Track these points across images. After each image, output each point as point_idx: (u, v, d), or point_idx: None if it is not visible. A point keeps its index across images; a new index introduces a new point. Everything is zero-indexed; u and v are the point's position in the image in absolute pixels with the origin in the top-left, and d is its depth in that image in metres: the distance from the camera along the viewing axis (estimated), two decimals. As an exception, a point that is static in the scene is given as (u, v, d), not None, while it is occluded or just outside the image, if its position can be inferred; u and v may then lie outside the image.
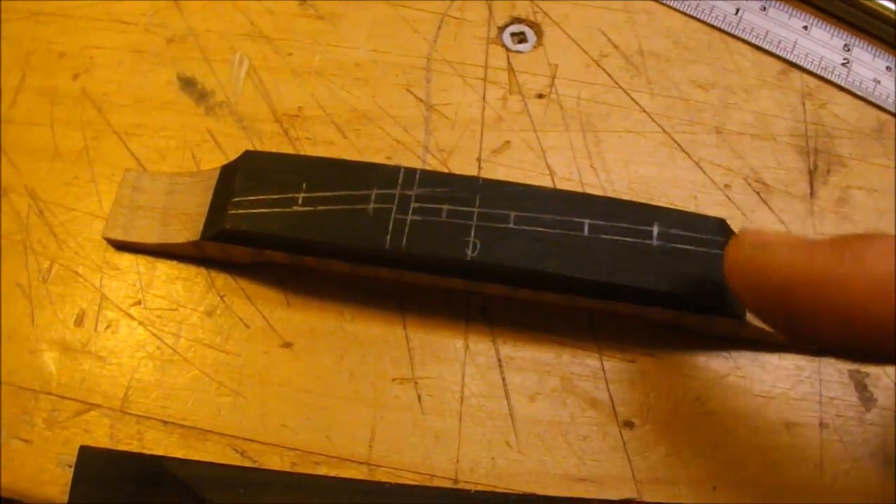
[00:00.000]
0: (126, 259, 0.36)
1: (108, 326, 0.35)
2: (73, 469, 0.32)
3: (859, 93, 0.39)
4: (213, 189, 0.35)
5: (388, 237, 0.32)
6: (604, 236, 0.32)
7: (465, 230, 0.32)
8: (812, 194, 0.37)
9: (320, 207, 0.32)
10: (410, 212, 0.32)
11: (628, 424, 0.33)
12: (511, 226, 0.32)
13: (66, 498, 0.32)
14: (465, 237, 0.32)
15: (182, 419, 0.34)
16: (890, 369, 0.34)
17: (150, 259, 0.36)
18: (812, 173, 0.37)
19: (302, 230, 0.32)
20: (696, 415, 0.33)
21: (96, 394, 0.34)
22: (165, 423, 0.34)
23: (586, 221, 0.32)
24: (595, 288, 0.32)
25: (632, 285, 0.32)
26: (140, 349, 0.35)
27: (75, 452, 0.33)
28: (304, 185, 0.33)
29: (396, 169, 0.33)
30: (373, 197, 0.33)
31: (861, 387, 0.34)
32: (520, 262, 0.32)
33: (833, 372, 0.34)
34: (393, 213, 0.32)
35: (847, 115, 0.38)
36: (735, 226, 0.35)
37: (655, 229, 0.32)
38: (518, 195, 0.33)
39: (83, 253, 0.36)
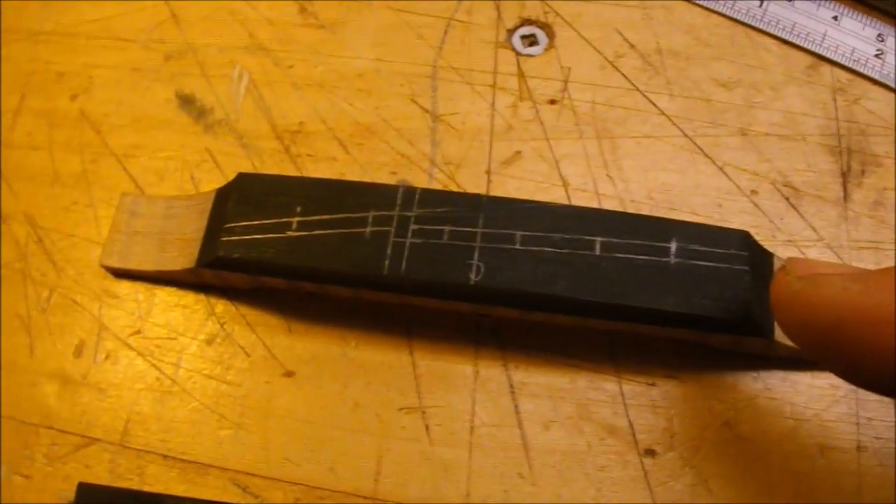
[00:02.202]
0: (125, 286, 0.35)
1: (107, 357, 0.34)
2: (72, 506, 0.32)
3: (895, 86, 0.36)
4: (209, 213, 0.33)
5: (387, 262, 0.30)
6: (617, 255, 0.30)
7: (468, 252, 0.30)
8: (846, 198, 0.34)
9: (315, 232, 0.31)
10: (409, 234, 0.31)
11: (650, 452, 0.31)
12: (517, 247, 0.30)
13: (66, 537, 0.31)
14: (467, 260, 0.30)
15: (182, 453, 0.32)
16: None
17: (149, 286, 0.35)
18: (845, 175, 0.35)
19: (296, 257, 0.31)
20: (724, 440, 0.31)
21: (96, 427, 0.33)
22: (166, 457, 0.33)
23: (598, 239, 0.30)
24: (609, 311, 0.30)
25: (648, 307, 0.30)
26: (139, 380, 0.34)
27: (74, 489, 0.32)
28: (298, 209, 0.31)
29: (395, 189, 0.32)
30: (370, 219, 0.31)
31: (902, 407, 0.31)
32: (526, 286, 0.30)
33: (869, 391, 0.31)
34: (391, 237, 0.31)
35: (882, 111, 0.36)
36: (763, 235, 0.33)
37: (673, 245, 0.30)
38: (524, 213, 0.31)
39: (82, 281, 0.35)
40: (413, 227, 0.31)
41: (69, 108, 0.39)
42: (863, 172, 0.35)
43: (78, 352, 0.34)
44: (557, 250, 0.30)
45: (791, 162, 0.35)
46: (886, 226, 0.34)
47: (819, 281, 0.23)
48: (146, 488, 0.32)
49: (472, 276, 0.30)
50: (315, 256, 0.31)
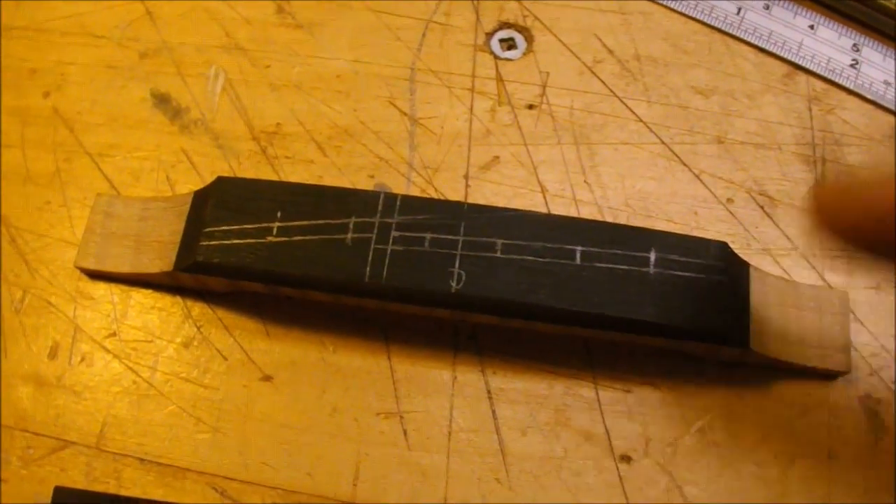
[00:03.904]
0: (100, 288, 0.35)
1: (82, 359, 0.34)
2: (48, 510, 0.31)
3: (869, 96, 0.37)
4: (186, 216, 0.33)
5: (368, 269, 0.30)
6: (597, 264, 0.30)
7: (450, 260, 0.30)
8: (819, 207, 0.35)
9: (296, 238, 0.31)
10: (391, 241, 0.31)
11: (625, 458, 0.32)
12: (498, 255, 0.30)
13: (41, 540, 0.31)
14: (449, 268, 0.30)
15: (159, 457, 0.32)
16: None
17: (125, 288, 0.35)
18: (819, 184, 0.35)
19: (277, 262, 0.31)
20: (698, 447, 0.32)
21: (71, 430, 0.33)
22: (143, 460, 0.32)
23: (578, 248, 0.30)
24: (589, 320, 0.30)
25: (629, 317, 0.30)
26: (115, 383, 0.33)
27: (51, 492, 0.32)
28: (278, 214, 0.31)
29: (376, 195, 0.31)
30: (351, 226, 0.31)
31: (872, 414, 0.32)
32: (507, 294, 0.30)
33: (842, 399, 0.32)
34: (372, 243, 0.31)
35: (857, 121, 0.36)
36: (738, 243, 0.34)
37: (653, 255, 0.30)
38: (505, 221, 0.31)
39: (56, 282, 0.35)
40: (394, 233, 0.31)
41: (42, 105, 0.38)
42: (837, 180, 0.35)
43: (53, 354, 0.34)
44: (538, 259, 0.30)
45: (766, 171, 0.36)
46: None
47: (860, 184, 0.24)
48: (123, 492, 0.32)
49: (454, 283, 0.30)
50: (296, 262, 0.31)
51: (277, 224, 0.31)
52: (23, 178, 0.37)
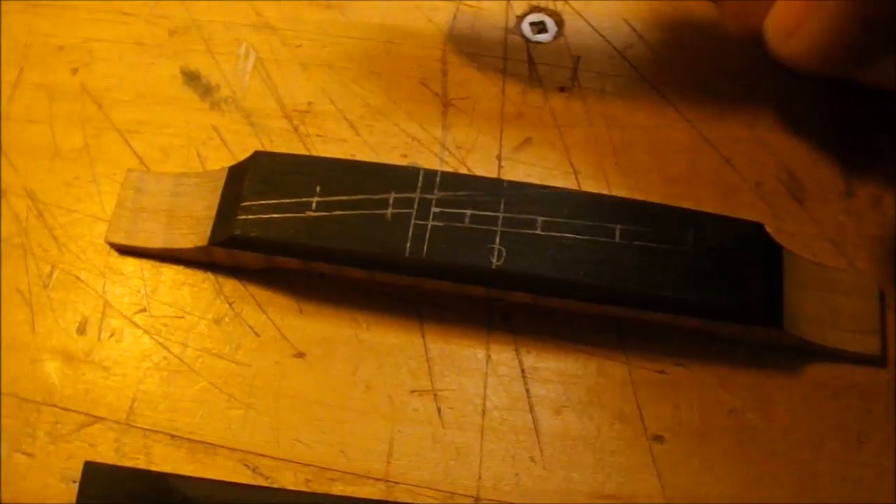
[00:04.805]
0: (129, 263, 0.35)
1: (111, 335, 0.34)
2: (77, 485, 0.31)
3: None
4: (221, 191, 0.33)
5: (408, 245, 0.30)
6: (637, 243, 0.30)
7: (490, 237, 0.30)
8: (849, 192, 0.35)
9: (335, 212, 0.31)
10: (431, 217, 0.31)
11: (658, 438, 0.32)
12: (538, 232, 0.30)
13: (70, 515, 0.31)
14: (489, 244, 0.30)
15: (190, 433, 0.32)
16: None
17: (155, 263, 0.35)
18: (849, 169, 0.35)
19: (316, 237, 0.31)
20: (730, 428, 0.32)
21: (101, 406, 0.33)
22: (173, 436, 0.32)
23: (618, 227, 0.31)
24: (628, 298, 0.30)
25: (667, 295, 0.30)
26: (146, 359, 0.33)
27: (79, 467, 0.32)
28: (317, 189, 0.31)
29: (416, 171, 0.31)
30: (391, 201, 0.31)
31: (903, 397, 0.32)
32: (548, 271, 0.30)
33: (873, 382, 0.32)
34: (413, 219, 0.31)
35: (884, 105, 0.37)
36: (768, 228, 0.34)
37: (691, 235, 0.31)
38: (545, 199, 0.31)
39: (85, 257, 0.35)
40: (434, 209, 0.31)
41: (70, 81, 0.38)
42: (866, 166, 0.35)
43: (81, 329, 0.34)
44: (578, 236, 0.30)
45: (796, 156, 0.36)
46: (889, 219, 0.35)
47: None
48: (153, 468, 0.32)
49: (494, 260, 0.30)
50: (335, 237, 0.31)
51: (316, 199, 0.31)
52: (51, 154, 0.37)
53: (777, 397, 0.32)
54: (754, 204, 0.35)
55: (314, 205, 0.31)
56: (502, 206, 0.31)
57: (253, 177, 0.32)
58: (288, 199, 0.31)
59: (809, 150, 0.36)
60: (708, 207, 0.34)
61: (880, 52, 0.25)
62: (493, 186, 0.31)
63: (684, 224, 0.31)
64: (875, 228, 0.35)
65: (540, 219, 0.31)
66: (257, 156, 0.33)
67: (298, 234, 0.31)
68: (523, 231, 0.30)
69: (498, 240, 0.30)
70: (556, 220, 0.30)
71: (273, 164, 0.32)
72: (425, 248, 0.30)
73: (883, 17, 0.23)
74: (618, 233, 0.30)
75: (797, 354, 0.33)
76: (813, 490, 0.31)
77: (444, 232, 0.30)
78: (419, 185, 0.31)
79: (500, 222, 0.30)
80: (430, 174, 0.31)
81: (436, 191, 0.31)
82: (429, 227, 0.30)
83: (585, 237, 0.30)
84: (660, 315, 0.31)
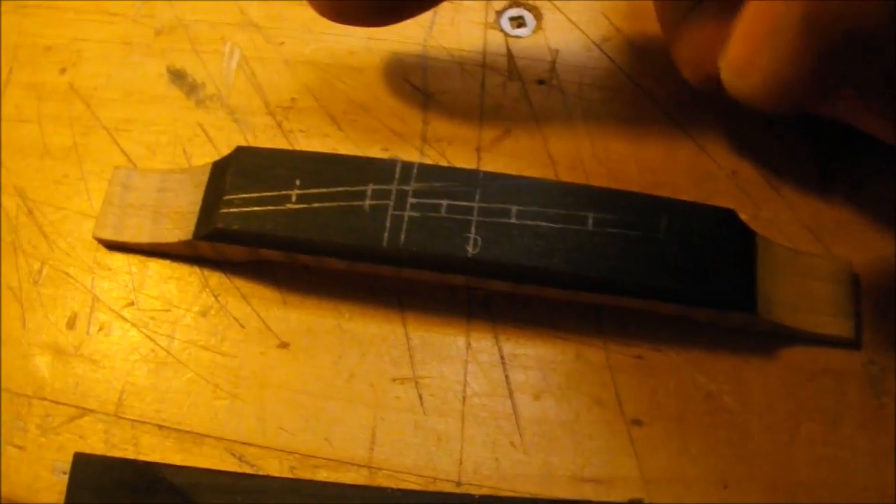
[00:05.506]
0: (117, 259, 0.35)
1: (100, 329, 0.34)
2: (67, 476, 0.32)
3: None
4: (205, 186, 0.34)
5: (386, 235, 0.31)
6: (610, 230, 0.31)
7: (466, 226, 0.31)
8: (825, 179, 0.36)
9: (315, 205, 0.31)
10: (408, 207, 0.31)
11: (636, 422, 0.32)
12: (513, 221, 0.31)
13: (61, 506, 0.32)
14: (465, 233, 0.31)
15: (177, 423, 0.33)
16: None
17: (142, 258, 0.35)
18: (826, 157, 0.36)
19: (296, 229, 0.31)
20: (707, 411, 0.32)
21: (90, 398, 0.33)
22: (161, 427, 0.33)
23: (591, 215, 0.31)
24: (602, 284, 0.31)
25: (640, 281, 0.31)
26: (134, 352, 0.34)
27: (70, 459, 0.32)
28: (297, 182, 0.32)
29: (393, 163, 0.32)
30: (369, 193, 0.31)
31: (876, 380, 0.33)
32: (522, 259, 0.31)
33: (847, 365, 0.33)
34: (390, 210, 0.31)
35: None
36: (744, 215, 0.34)
37: (663, 222, 0.31)
38: (520, 188, 0.32)
39: (74, 253, 0.35)
40: (411, 200, 0.31)
41: (58, 81, 0.39)
42: (843, 154, 0.36)
43: (71, 323, 0.34)
44: (552, 225, 0.31)
45: (772, 144, 0.36)
46: (865, 207, 0.35)
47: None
48: (141, 458, 0.32)
49: (470, 248, 0.31)
50: (315, 229, 0.31)
51: (296, 192, 0.32)
52: (40, 153, 0.37)
53: (753, 381, 0.33)
54: (730, 192, 0.36)
55: (294, 197, 0.32)
56: (478, 196, 0.31)
57: (235, 171, 0.32)
58: (269, 192, 0.32)
59: (786, 139, 0.36)
60: (684, 196, 0.35)
61: (837, 85, 0.25)
62: (469, 177, 0.32)
63: (657, 211, 0.31)
64: (851, 215, 0.35)
65: (514, 208, 0.31)
66: (240, 151, 0.33)
67: (279, 227, 0.31)
68: (498, 220, 0.31)
69: (473, 229, 0.31)
70: (531, 209, 0.31)
71: (255, 158, 0.33)
72: (402, 238, 0.31)
73: (837, 48, 0.23)
74: (591, 221, 0.31)
75: (773, 338, 0.33)
76: (790, 471, 0.32)
77: (420, 222, 0.31)
78: (396, 176, 0.32)
79: (475, 212, 0.31)
80: (407, 166, 0.32)
81: (412, 182, 0.32)
82: (406, 217, 0.31)
83: (559, 225, 0.31)
84: (635, 301, 0.32)
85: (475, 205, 0.31)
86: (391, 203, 0.31)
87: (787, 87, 0.24)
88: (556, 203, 0.31)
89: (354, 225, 0.31)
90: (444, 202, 0.31)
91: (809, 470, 0.32)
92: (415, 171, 0.32)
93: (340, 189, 0.32)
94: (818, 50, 0.23)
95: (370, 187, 0.32)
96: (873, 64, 0.24)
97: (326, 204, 0.31)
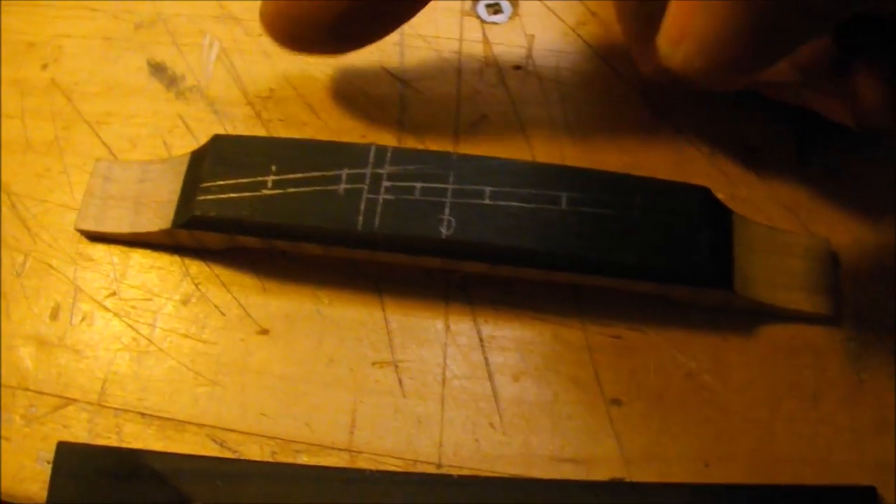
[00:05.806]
0: (100, 249, 0.36)
1: (83, 319, 0.35)
2: (51, 465, 0.32)
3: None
4: (184, 176, 0.34)
5: (360, 218, 0.31)
6: (583, 209, 0.31)
7: (440, 208, 0.31)
8: (803, 159, 0.36)
9: (290, 190, 0.32)
10: (382, 191, 0.31)
11: (616, 402, 0.32)
12: (486, 202, 0.31)
13: (45, 495, 0.32)
14: (439, 215, 0.31)
15: (159, 411, 0.33)
16: (887, 338, 0.33)
17: (124, 249, 0.35)
18: (804, 137, 0.36)
19: (272, 214, 0.32)
20: (686, 390, 0.32)
21: (73, 388, 0.34)
22: (143, 415, 0.33)
23: (564, 194, 0.31)
24: (576, 263, 0.31)
25: (615, 259, 0.31)
26: (116, 341, 0.34)
27: (54, 448, 0.32)
28: (273, 168, 0.32)
29: (367, 147, 0.32)
30: (343, 177, 0.32)
31: (855, 356, 0.33)
32: (496, 239, 0.31)
33: (826, 341, 0.33)
34: (364, 193, 0.31)
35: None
36: (722, 196, 0.34)
37: (637, 200, 0.31)
38: (493, 169, 0.32)
39: (56, 245, 0.36)
40: (385, 183, 0.31)
41: (40, 77, 0.39)
42: (821, 135, 0.36)
43: (54, 314, 0.35)
44: (525, 205, 0.31)
45: (750, 124, 0.36)
46: (842, 186, 0.35)
47: None
48: (125, 445, 0.33)
49: (444, 230, 0.31)
50: (290, 214, 0.31)
51: (272, 178, 0.32)
52: (23, 147, 0.38)
53: (733, 359, 0.33)
54: (708, 173, 0.36)
55: (270, 183, 0.32)
56: (451, 178, 0.31)
57: (212, 159, 0.33)
58: (245, 178, 0.32)
59: (764, 120, 0.36)
60: (663, 177, 0.35)
61: (773, 53, 0.25)
62: (443, 159, 0.32)
63: (631, 190, 0.31)
64: (829, 193, 0.35)
65: (488, 189, 0.31)
66: (217, 139, 0.33)
67: (255, 212, 0.32)
68: (472, 201, 0.31)
69: (447, 211, 0.31)
70: (504, 189, 0.31)
71: (232, 146, 0.33)
72: (377, 221, 0.31)
73: (770, 11, 0.23)
74: (564, 200, 0.31)
75: (752, 316, 0.33)
76: (770, 448, 0.32)
77: (394, 205, 0.31)
78: (371, 160, 0.32)
79: (449, 194, 0.31)
80: (382, 150, 0.32)
81: (387, 165, 0.32)
82: (380, 200, 0.31)
83: (532, 205, 0.31)
84: (612, 280, 0.32)
85: (449, 186, 0.31)
86: (366, 187, 0.31)
87: (725, 53, 0.24)
88: (529, 183, 0.31)
89: (329, 209, 0.31)
90: (419, 185, 0.31)
91: (790, 447, 0.32)
92: (389, 154, 0.32)
93: (316, 174, 0.32)
94: (753, 8, 0.22)
95: (345, 171, 0.32)
96: (810, 21, 0.24)
97: (302, 189, 0.32)
